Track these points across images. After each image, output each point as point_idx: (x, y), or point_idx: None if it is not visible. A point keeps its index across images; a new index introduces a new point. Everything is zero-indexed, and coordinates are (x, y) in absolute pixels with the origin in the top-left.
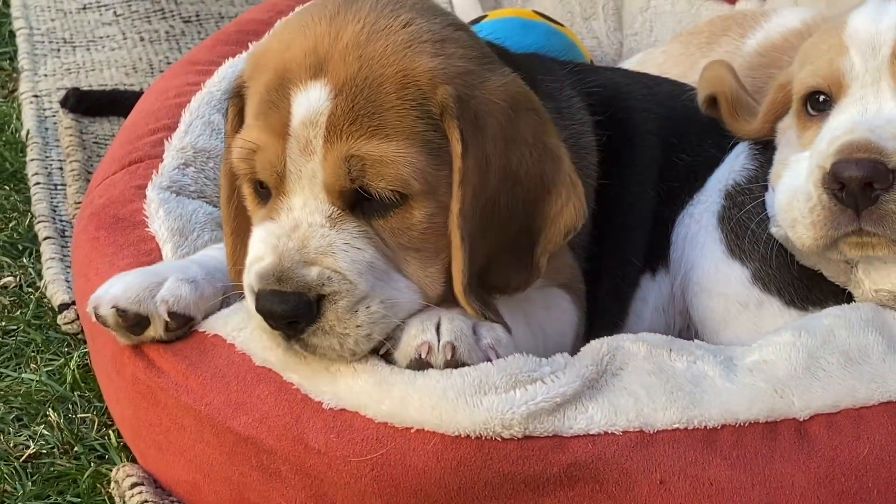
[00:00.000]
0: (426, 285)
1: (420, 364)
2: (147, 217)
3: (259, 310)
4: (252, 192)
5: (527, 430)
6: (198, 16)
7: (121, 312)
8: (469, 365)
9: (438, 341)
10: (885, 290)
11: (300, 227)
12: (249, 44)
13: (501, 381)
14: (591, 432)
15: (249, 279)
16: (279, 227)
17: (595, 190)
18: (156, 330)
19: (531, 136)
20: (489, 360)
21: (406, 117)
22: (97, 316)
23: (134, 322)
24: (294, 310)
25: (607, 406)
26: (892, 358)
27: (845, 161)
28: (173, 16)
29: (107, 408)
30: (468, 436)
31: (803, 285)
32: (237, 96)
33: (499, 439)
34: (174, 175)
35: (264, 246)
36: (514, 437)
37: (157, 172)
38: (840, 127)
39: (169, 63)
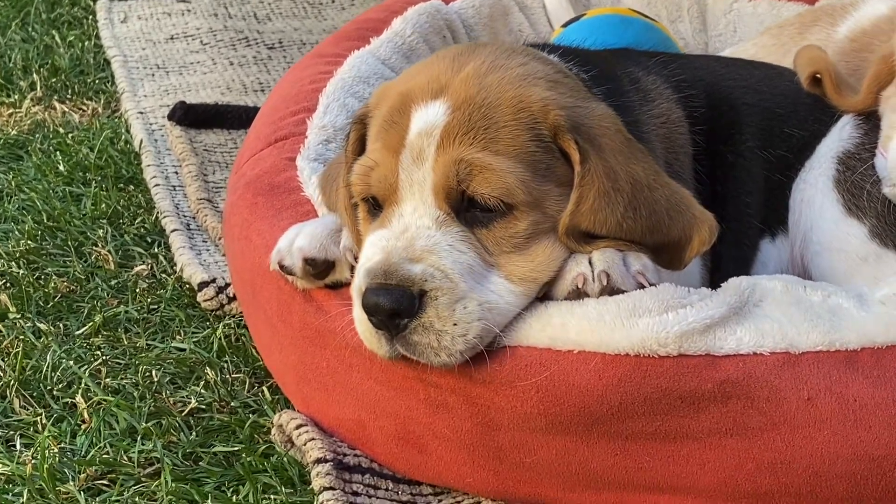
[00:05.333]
0: (535, 277)
1: (577, 294)
2: (301, 183)
3: (364, 305)
4: (366, 212)
5: (681, 349)
6: (281, 42)
7: (310, 261)
8: (623, 291)
9: (592, 271)
10: None
11: (409, 230)
12: (370, 39)
13: (654, 305)
14: (740, 352)
15: (358, 280)
16: (389, 231)
17: (694, 157)
18: (342, 273)
19: (644, 157)
20: (640, 286)
21: (517, 137)
22: (282, 267)
23: (322, 268)
24: (398, 302)
25: (753, 329)
26: None
27: None
28: (257, 43)
29: (257, 369)
30: (627, 354)
31: None
32: (360, 123)
33: (655, 357)
34: (319, 149)
35: (374, 248)
36: (669, 355)
37: (304, 146)
38: None
39: (261, 83)
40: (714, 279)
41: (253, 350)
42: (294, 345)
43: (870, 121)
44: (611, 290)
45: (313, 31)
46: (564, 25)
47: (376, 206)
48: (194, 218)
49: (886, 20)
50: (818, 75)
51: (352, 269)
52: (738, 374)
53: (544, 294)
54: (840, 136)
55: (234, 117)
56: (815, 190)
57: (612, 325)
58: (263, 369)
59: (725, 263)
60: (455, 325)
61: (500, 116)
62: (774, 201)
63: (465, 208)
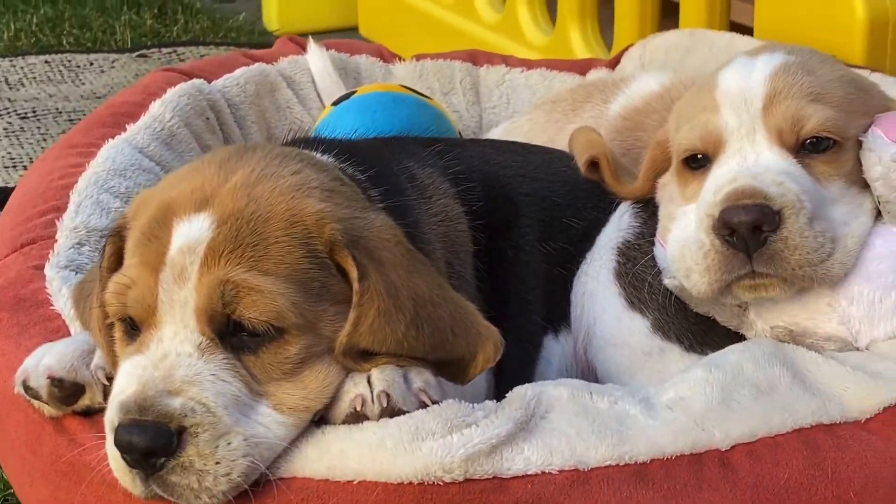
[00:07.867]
0: (307, 406)
1: (356, 417)
2: (50, 295)
3: (117, 443)
4: (123, 332)
5: (467, 473)
6: (34, 111)
7: (56, 382)
8: (404, 412)
9: (371, 392)
10: (781, 326)
11: (168, 357)
12: (126, 126)
13: (438, 426)
14: (528, 472)
15: (110, 413)
16: (146, 358)
17: (475, 254)
18: (93, 398)
19: (427, 270)
20: (423, 404)
21: (289, 254)
22: (27, 388)
23: (70, 392)
24: (153, 441)
25: (541, 446)
26: (798, 388)
27: (733, 207)
28: (9, 113)
29: (8, 496)
30: (410, 482)
31: (700, 330)
32: (116, 235)
33: (441, 483)
34: (70, 254)
35: (128, 378)
36: (455, 481)
37: (54, 252)
38: (723, 177)
39: (13, 159)
40: (498, 380)
41: (2, 476)
42: (46, 479)
43: (649, 208)
44: (391, 410)
45: (70, 98)
46: (335, 103)
47: (134, 327)
48: None
49: (657, 97)
50: (596, 160)
51: (105, 391)
52: (527, 496)
53: (321, 417)
54: (619, 226)
55: None
56: (596, 283)
57: (394, 450)
58: (16, 500)
59: (508, 363)
60: (218, 463)
61: (270, 232)
62: (556, 296)
63: (231, 332)
